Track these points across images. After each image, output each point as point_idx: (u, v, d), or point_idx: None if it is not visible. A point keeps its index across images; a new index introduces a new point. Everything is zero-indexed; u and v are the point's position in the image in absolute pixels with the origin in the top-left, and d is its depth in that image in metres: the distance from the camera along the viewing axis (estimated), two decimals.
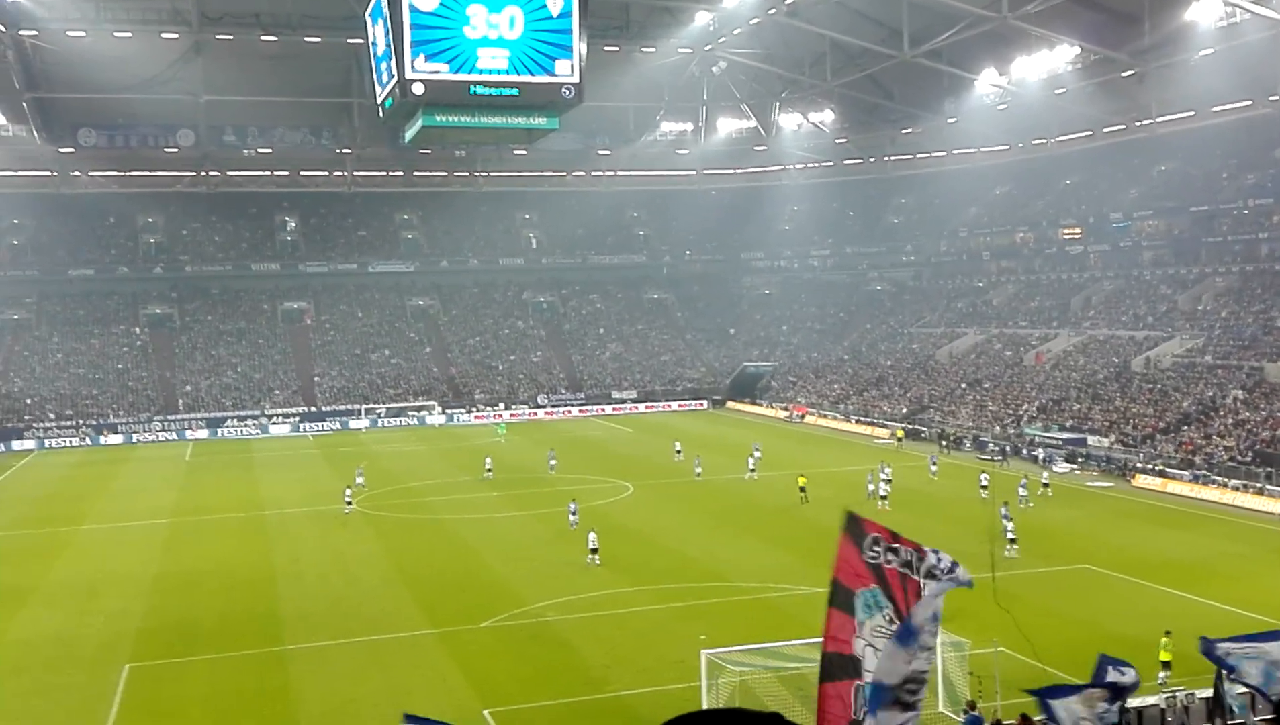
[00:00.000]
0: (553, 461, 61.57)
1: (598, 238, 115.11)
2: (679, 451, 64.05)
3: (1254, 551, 39.83)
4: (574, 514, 44.83)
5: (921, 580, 8.48)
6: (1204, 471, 52.64)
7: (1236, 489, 49.72)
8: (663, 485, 56.04)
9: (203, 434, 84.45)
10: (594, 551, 38.49)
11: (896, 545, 8.64)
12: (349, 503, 50.53)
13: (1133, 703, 22.69)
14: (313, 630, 32.09)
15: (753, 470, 57.29)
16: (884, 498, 48.14)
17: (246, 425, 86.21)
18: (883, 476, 50.71)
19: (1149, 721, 22.03)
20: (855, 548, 8.66)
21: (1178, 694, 22.11)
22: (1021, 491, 47.62)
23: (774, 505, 50.03)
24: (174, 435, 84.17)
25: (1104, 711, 13.06)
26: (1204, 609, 31.62)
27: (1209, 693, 22.51)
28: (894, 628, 8.32)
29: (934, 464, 57.17)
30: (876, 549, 8.59)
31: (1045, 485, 50.75)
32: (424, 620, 32.85)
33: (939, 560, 8.55)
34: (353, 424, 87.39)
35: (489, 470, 59.54)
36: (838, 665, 8.48)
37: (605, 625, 31.99)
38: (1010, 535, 38.86)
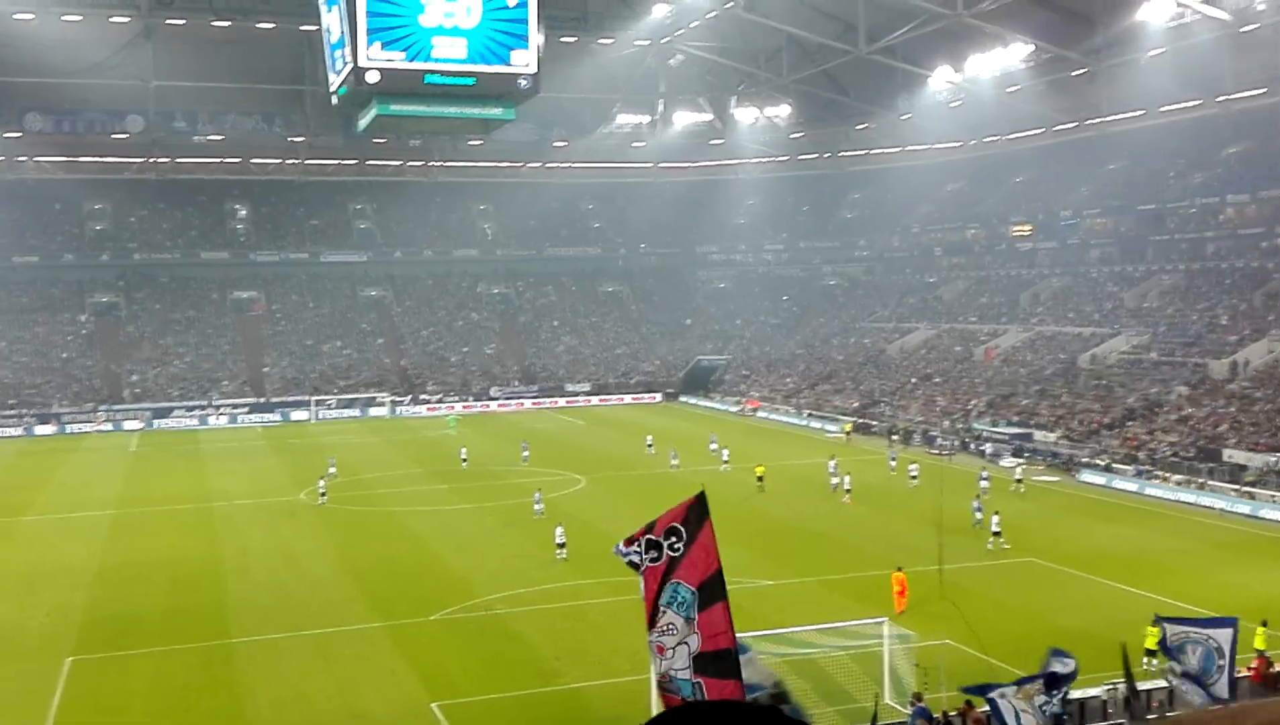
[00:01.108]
0: (525, 453, 61.64)
1: (553, 229, 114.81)
2: (650, 445, 64.14)
3: (1196, 546, 40.54)
4: (539, 503, 45.03)
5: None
6: (1148, 467, 53.49)
7: (1180, 484, 50.54)
8: (617, 478, 56.05)
9: (149, 424, 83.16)
10: (561, 545, 38.33)
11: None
12: (323, 493, 50.42)
13: (1075, 694, 23.07)
14: (260, 623, 31.80)
15: (726, 462, 57.50)
16: (848, 491, 48.45)
17: (193, 416, 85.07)
18: (830, 470, 51.68)
19: (1091, 713, 22.38)
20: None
21: (1119, 685, 22.44)
22: (983, 484, 48.06)
23: (728, 498, 50.16)
24: (115, 426, 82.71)
25: (1043, 703, 13.26)
26: (1147, 602, 32.12)
27: (1147, 685, 22.91)
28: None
29: (893, 459, 57.45)
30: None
31: (1019, 481, 51.14)
32: (373, 613, 32.65)
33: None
34: (294, 415, 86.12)
35: (464, 460, 60.08)
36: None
37: (557, 618, 31.98)
38: (995, 529, 39.42)
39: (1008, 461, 57.90)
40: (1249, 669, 25.26)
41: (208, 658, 29.00)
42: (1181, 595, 32.34)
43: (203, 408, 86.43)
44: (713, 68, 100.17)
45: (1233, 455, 51.49)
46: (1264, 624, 25.88)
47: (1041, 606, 32.41)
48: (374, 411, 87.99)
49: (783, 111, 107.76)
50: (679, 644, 8.38)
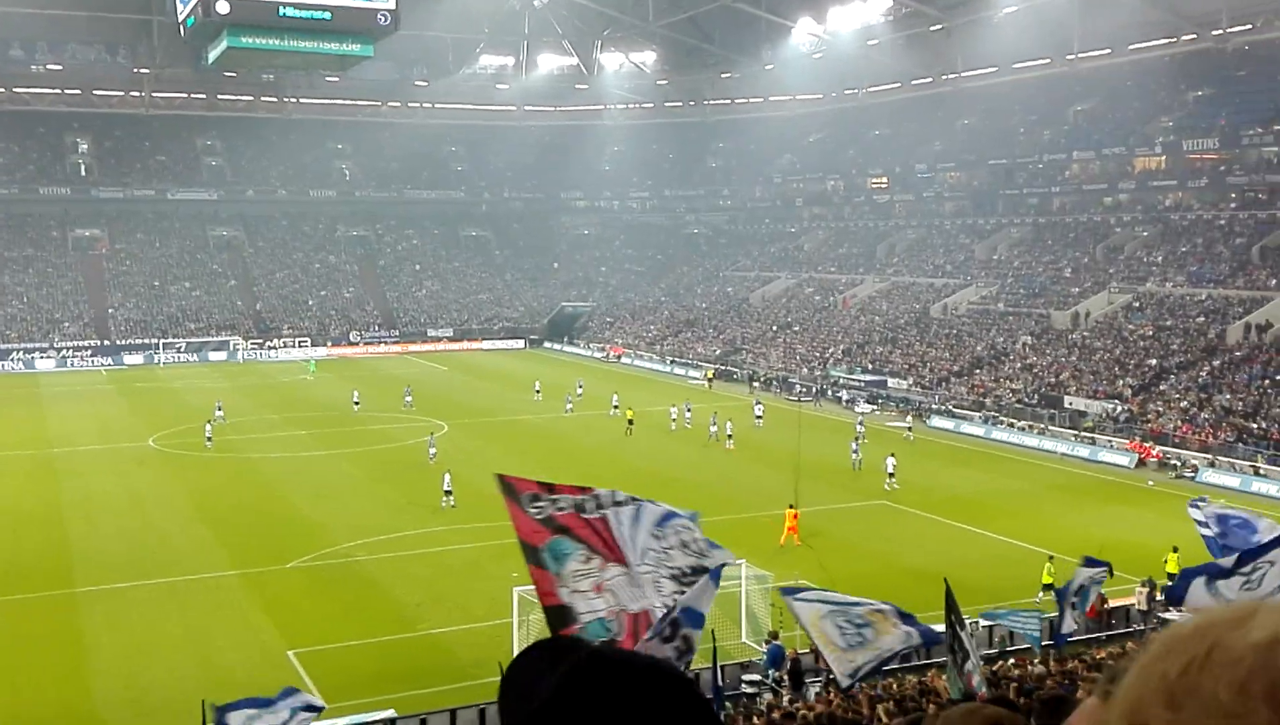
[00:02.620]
0: (408, 398, 60.86)
1: (414, 172, 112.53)
2: (538, 391, 63.82)
3: (1035, 488, 42.46)
4: (432, 448, 44.81)
5: (602, 514, 8.60)
6: (993, 413, 55.66)
7: (1022, 430, 52.77)
8: (479, 424, 55.72)
9: None
10: (448, 493, 37.58)
11: (555, 494, 8.75)
12: (209, 438, 49.06)
13: None
14: (107, 573, 30.76)
15: (616, 407, 57.36)
16: (729, 437, 49.12)
17: (31, 359, 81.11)
18: (683, 411, 54.04)
19: (936, 649, 23.21)
20: (519, 508, 8.77)
21: (966, 622, 23.37)
22: (860, 428, 49.43)
23: (593, 443, 50.46)
24: None
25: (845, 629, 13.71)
26: (988, 541, 33.57)
27: (988, 621, 23.91)
28: (595, 565, 8.44)
29: (760, 408, 57.97)
30: (539, 503, 8.70)
31: (909, 429, 52.44)
32: (226, 561, 31.89)
33: (613, 496, 8.70)
34: (141, 359, 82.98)
35: (357, 403, 59.20)
36: (556, 617, 8.62)
37: (417, 564, 31.77)
38: (890, 470, 40.94)
39: (862, 407, 59.50)
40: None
41: (51, 608, 27.95)
42: (1017, 534, 33.86)
43: (43, 350, 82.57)
44: (578, 10, 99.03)
45: (1073, 402, 53.92)
46: (1050, 558, 27.45)
47: (890, 546, 33.53)
48: (215, 356, 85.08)
49: (648, 58, 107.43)
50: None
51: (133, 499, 39.91)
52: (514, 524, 8.68)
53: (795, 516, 32.88)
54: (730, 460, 46.69)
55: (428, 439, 46.15)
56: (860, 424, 50.75)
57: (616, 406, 58.17)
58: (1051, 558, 27.79)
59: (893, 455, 41.98)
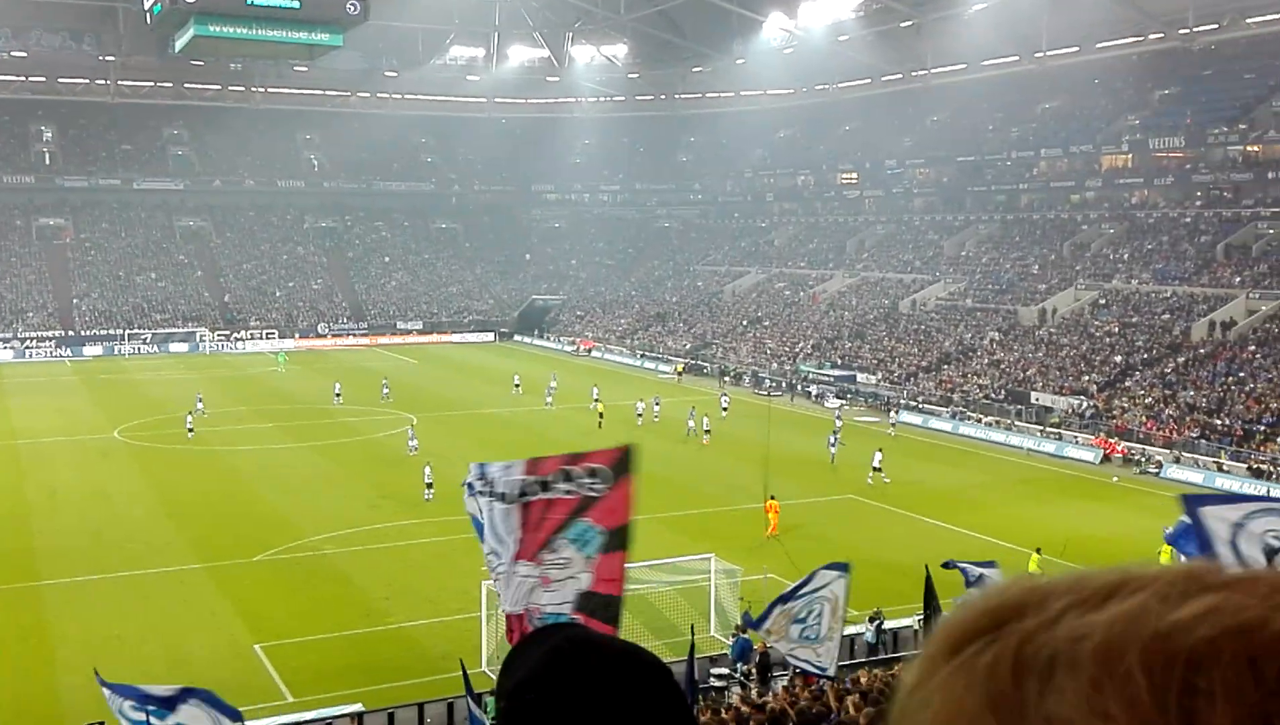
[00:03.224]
0: (386, 390, 60.74)
1: (383, 163, 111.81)
2: (518, 385, 63.70)
3: (1001, 482, 42.82)
4: (413, 440, 44.66)
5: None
6: (961, 408, 56.03)
7: (989, 425, 53.15)
8: (457, 417, 55.53)
9: None
10: (429, 485, 37.30)
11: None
12: (190, 430, 48.79)
13: (889, 624, 24.19)
14: (71, 566, 30.46)
15: (596, 400, 57.12)
16: (707, 432, 49.24)
17: None
18: (651, 406, 54.24)
19: (903, 642, 23.48)
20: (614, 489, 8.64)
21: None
22: (838, 422, 49.65)
23: (567, 437, 50.31)
24: None
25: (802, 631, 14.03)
26: (954, 535, 33.79)
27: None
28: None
29: (725, 400, 58.20)
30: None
31: (893, 425, 52.73)
32: (192, 555, 31.67)
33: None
34: (105, 350, 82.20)
35: (338, 395, 59.03)
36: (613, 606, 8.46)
37: (385, 558, 31.65)
38: (876, 464, 41.10)
39: (832, 402, 59.72)
40: None
41: (14, 602, 27.65)
42: (982, 528, 34.17)
43: (5, 340, 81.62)
44: (549, 2, 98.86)
45: (1039, 398, 54.35)
46: (1038, 551, 27.92)
47: (858, 540, 33.64)
48: (177, 348, 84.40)
49: (620, 51, 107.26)
50: (569, 578, 8.29)
51: (98, 492, 39.53)
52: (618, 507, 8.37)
53: (775, 508, 33.11)
54: (704, 454, 46.79)
55: (408, 431, 45.93)
56: (839, 419, 50.85)
57: (597, 400, 58.18)
58: (1039, 550, 28.07)
59: (880, 449, 42.22)
